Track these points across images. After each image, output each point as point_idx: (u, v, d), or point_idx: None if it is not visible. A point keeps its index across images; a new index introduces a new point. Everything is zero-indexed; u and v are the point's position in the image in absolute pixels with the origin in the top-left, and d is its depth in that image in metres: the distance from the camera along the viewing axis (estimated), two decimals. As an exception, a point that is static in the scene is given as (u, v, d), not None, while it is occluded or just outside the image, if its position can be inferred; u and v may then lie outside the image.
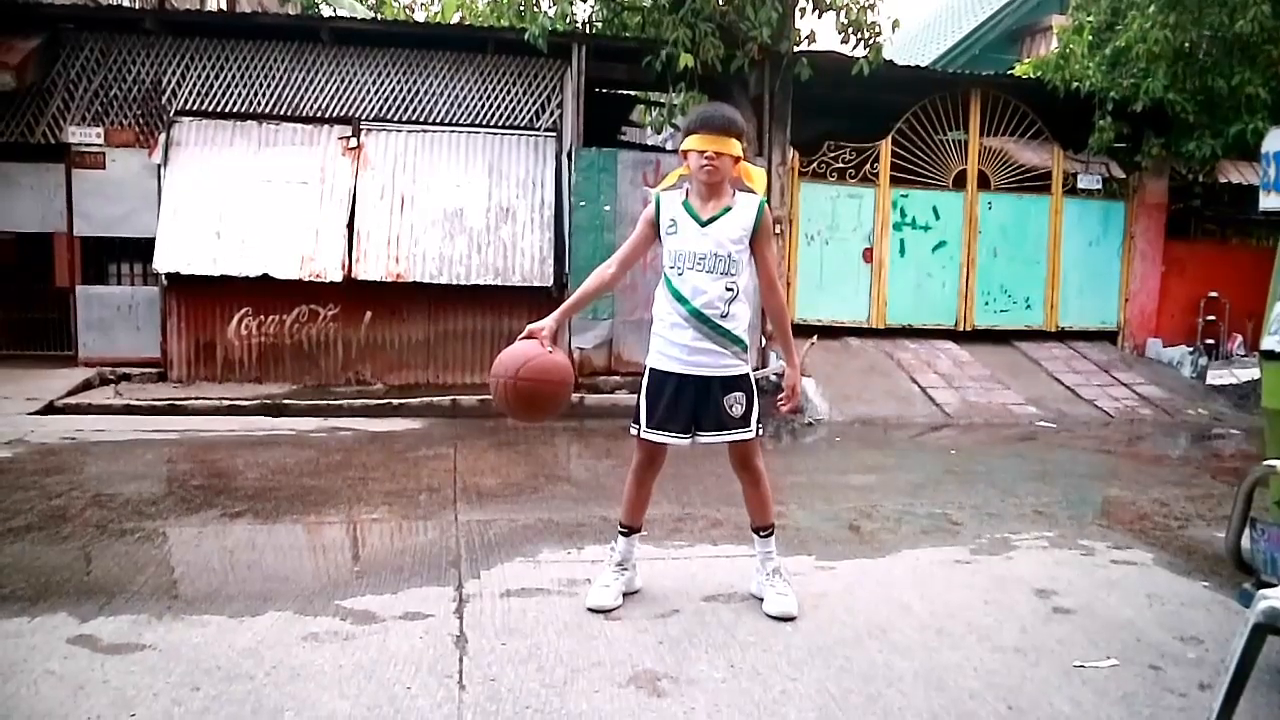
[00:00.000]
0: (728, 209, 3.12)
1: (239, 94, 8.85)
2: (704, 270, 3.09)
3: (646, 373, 3.29)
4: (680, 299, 3.12)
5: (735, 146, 3.07)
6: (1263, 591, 1.99)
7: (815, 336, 8.76)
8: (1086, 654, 2.98)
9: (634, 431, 3.24)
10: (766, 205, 3.17)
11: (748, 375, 3.25)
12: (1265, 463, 2.62)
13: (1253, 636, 1.92)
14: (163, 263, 8.32)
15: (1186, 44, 9.15)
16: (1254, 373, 8.61)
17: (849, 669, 2.79)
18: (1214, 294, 10.44)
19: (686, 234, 3.12)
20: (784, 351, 3.44)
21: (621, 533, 3.35)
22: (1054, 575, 3.79)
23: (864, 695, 2.62)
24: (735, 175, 3.13)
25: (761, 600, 3.27)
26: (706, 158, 3.04)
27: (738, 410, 3.19)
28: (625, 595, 3.30)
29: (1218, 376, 9.63)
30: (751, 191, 3.19)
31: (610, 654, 2.85)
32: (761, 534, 3.31)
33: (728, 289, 3.11)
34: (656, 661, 2.81)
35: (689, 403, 3.16)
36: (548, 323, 3.16)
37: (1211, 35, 9.18)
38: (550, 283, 8.64)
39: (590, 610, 3.18)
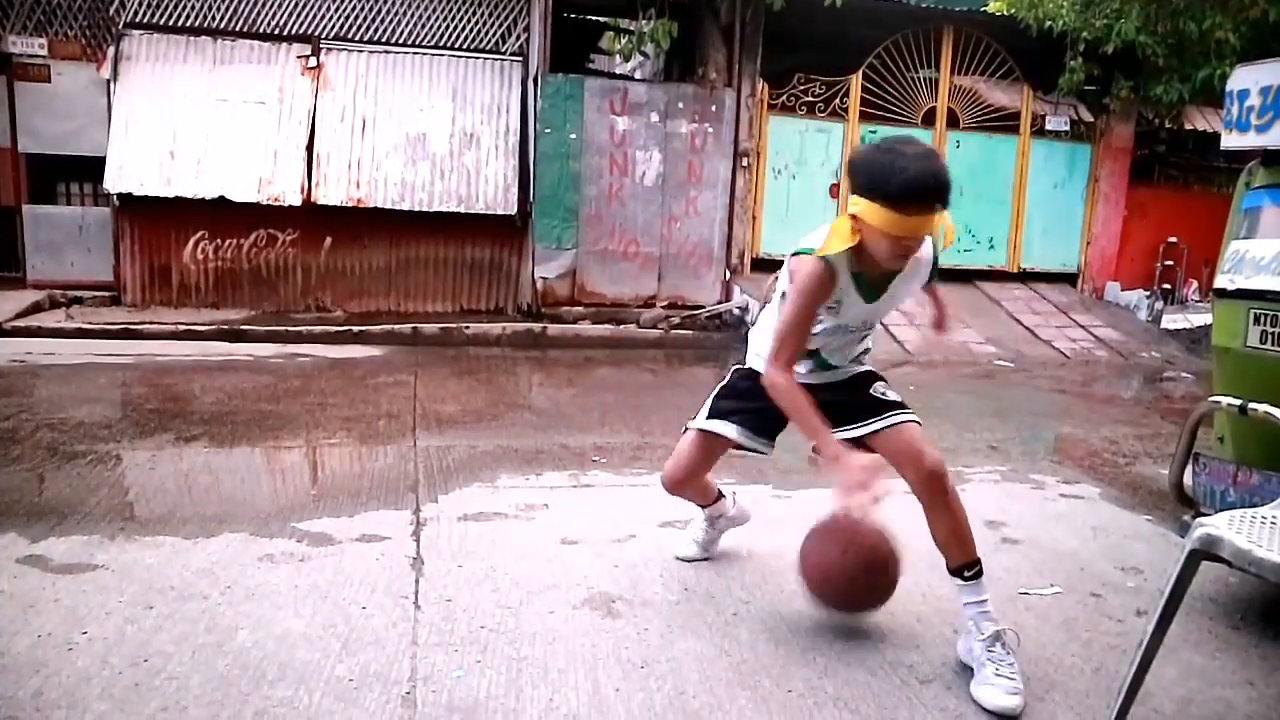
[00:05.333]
0: (900, 270, 2.38)
1: (192, 6, 8.51)
2: (848, 331, 2.51)
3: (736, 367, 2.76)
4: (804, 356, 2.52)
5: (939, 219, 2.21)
6: (1200, 519, 2.04)
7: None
8: (1031, 582, 3.06)
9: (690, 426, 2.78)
10: (938, 256, 2.51)
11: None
12: (1211, 399, 2.68)
13: (1188, 562, 1.98)
14: (114, 182, 8.08)
15: (1160, -16, 9.10)
16: (1207, 318, 8.76)
17: (800, 593, 2.84)
18: (1173, 240, 10.57)
19: (847, 308, 2.42)
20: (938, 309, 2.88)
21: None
22: (1004, 508, 3.88)
23: (814, 618, 2.67)
24: None
25: (971, 673, 2.35)
26: (905, 245, 2.22)
27: (892, 394, 2.55)
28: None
29: (1172, 321, 9.82)
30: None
31: (566, 577, 2.88)
32: (967, 574, 2.44)
33: (863, 342, 2.62)
34: (611, 584, 2.85)
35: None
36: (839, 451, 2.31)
37: (1185, -24, 9.13)
38: (514, 210, 8.53)
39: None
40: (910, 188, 2.10)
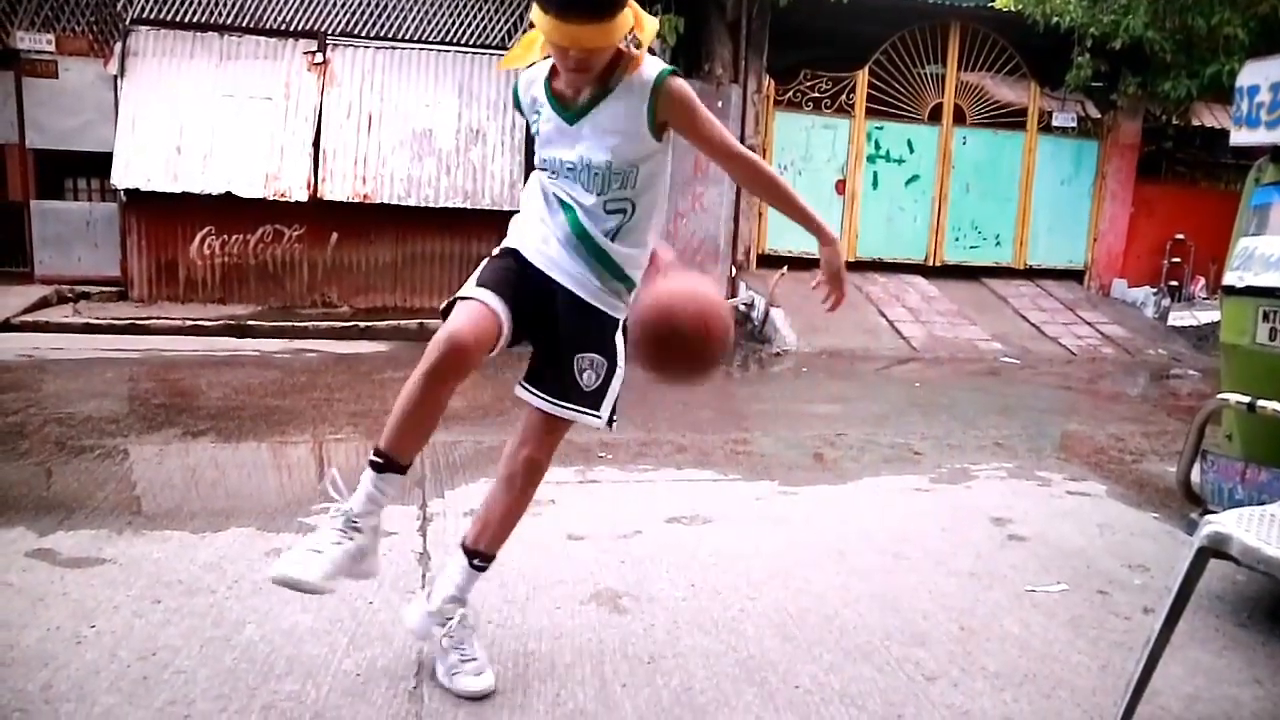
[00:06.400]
0: (606, 91, 2.02)
1: (199, 2, 8.52)
2: (576, 181, 2.09)
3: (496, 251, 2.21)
4: (559, 202, 2.12)
5: (615, 32, 1.91)
6: (1208, 517, 2.04)
7: (785, 268, 8.75)
8: (1038, 579, 3.06)
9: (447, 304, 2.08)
10: (671, 74, 2.02)
11: (617, 334, 2.18)
12: (1219, 396, 2.67)
13: (1196, 559, 1.97)
14: (121, 178, 8.09)
15: (1169, -20, 9.06)
16: (1214, 315, 8.74)
17: (807, 590, 2.85)
18: (1180, 236, 10.54)
19: (550, 128, 2.10)
20: (808, 225, 2.19)
21: (374, 464, 2.05)
22: (1010, 505, 3.87)
23: (820, 615, 2.67)
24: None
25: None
26: (572, 57, 1.93)
27: (590, 379, 2.13)
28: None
29: (1179, 318, 9.79)
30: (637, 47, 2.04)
31: (573, 572, 2.88)
32: (479, 562, 2.21)
33: (609, 210, 2.08)
34: (618, 580, 2.85)
35: (536, 299, 2.11)
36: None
37: (1194, -28, 9.09)
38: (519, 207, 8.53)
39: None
40: None
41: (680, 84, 2.04)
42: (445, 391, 2.05)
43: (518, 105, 2.20)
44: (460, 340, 1.96)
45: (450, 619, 2.19)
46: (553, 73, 2.09)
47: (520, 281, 2.11)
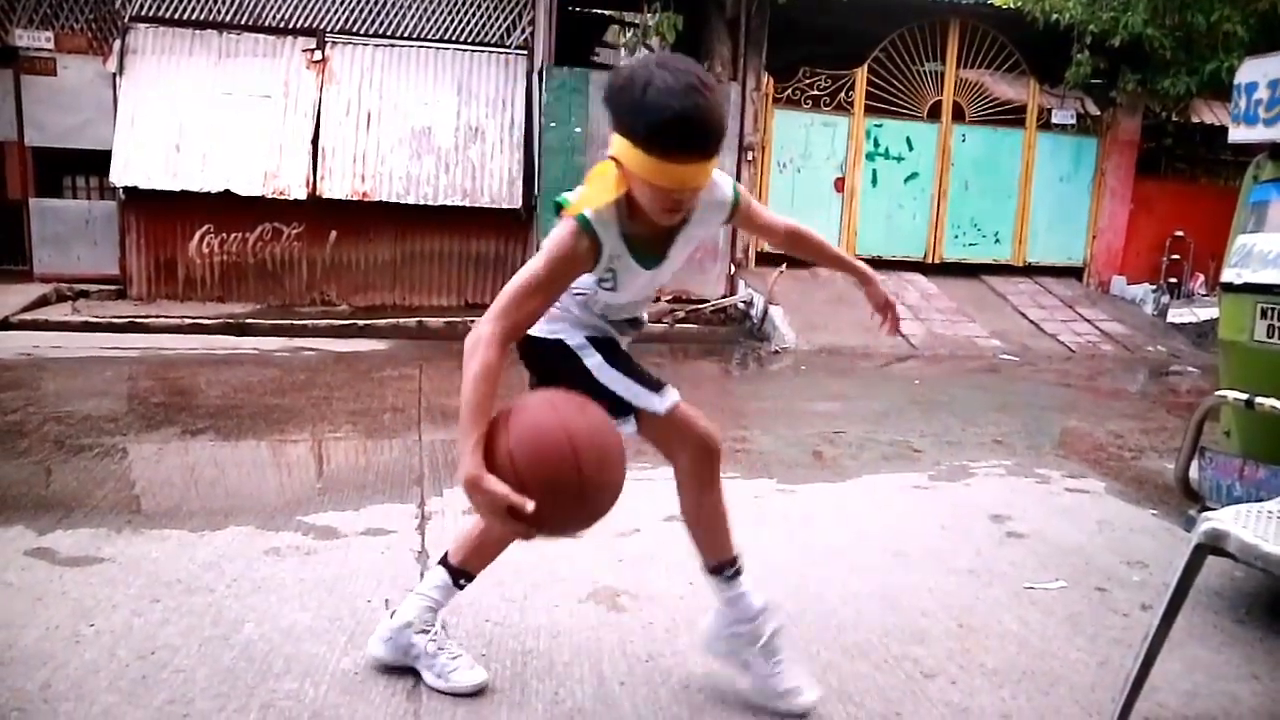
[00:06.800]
0: (684, 222, 1.92)
1: (197, 0, 8.51)
2: (635, 310, 2.10)
3: (581, 347, 2.03)
4: (609, 321, 2.08)
5: (715, 164, 1.78)
6: (1206, 514, 2.04)
7: (784, 265, 8.76)
8: (1036, 576, 3.06)
9: (628, 428, 2.03)
10: (740, 190, 2.03)
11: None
12: (1218, 393, 2.67)
13: (1194, 556, 1.97)
14: (120, 176, 8.09)
15: (1168, -23, 9.06)
16: (1213, 312, 8.73)
17: (805, 588, 2.85)
18: (1179, 233, 10.53)
19: (626, 277, 1.93)
20: (846, 270, 2.30)
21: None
22: (1009, 502, 3.87)
23: (819, 612, 2.67)
24: None
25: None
26: (674, 200, 1.76)
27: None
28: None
29: (1178, 315, 9.79)
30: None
31: (571, 571, 2.88)
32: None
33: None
34: (616, 578, 2.85)
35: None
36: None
37: (1193, -32, 9.09)
38: (519, 204, 8.53)
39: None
40: (666, 131, 1.64)
41: (745, 194, 2.06)
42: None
43: (596, 257, 1.83)
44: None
45: (432, 625, 2.18)
46: (627, 215, 1.83)
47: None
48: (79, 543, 2.95)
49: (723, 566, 2.15)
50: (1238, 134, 3.06)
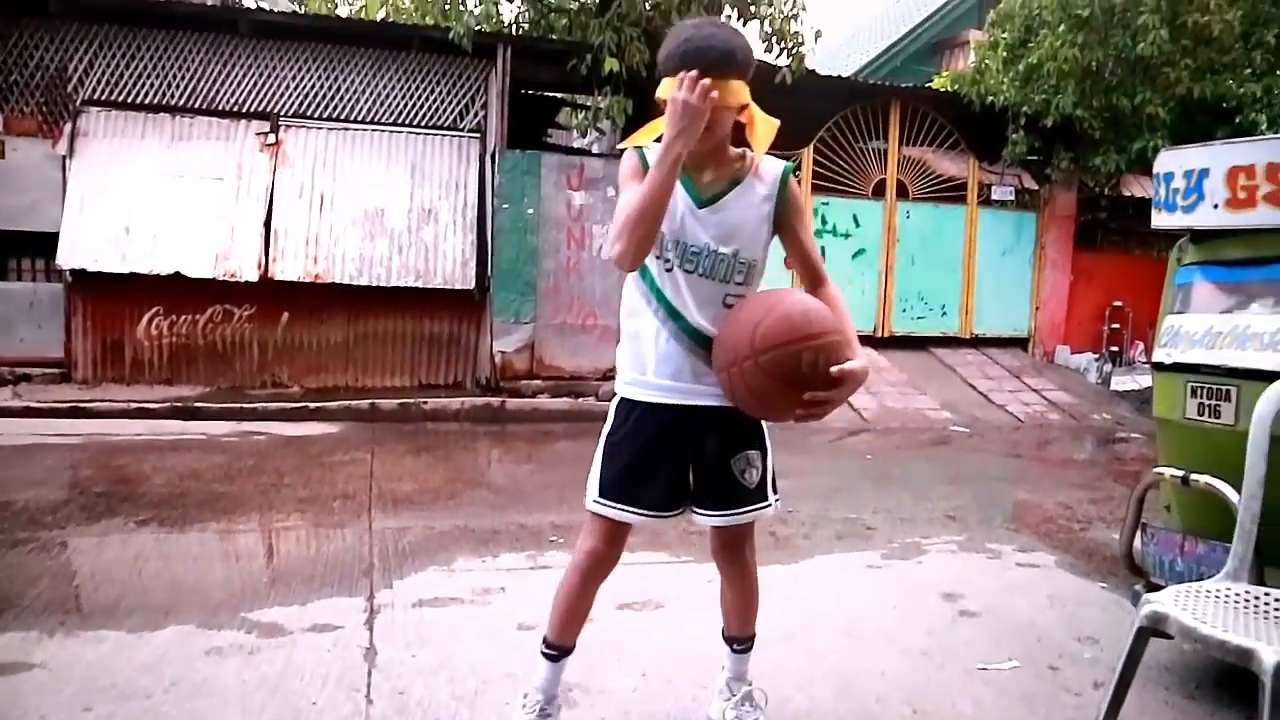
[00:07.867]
0: (736, 181, 2.10)
1: (151, 85, 8.54)
2: (700, 273, 2.08)
3: (614, 407, 2.22)
4: (667, 307, 2.10)
5: (739, 91, 2.00)
6: (1147, 596, 2.07)
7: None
8: (990, 655, 3.07)
9: (588, 502, 2.21)
10: (794, 171, 2.18)
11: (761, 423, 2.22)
12: (1154, 470, 2.74)
13: (1137, 639, 2.01)
14: (67, 259, 7.98)
15: (1093, 63, 9.51)
16: (1154, 379, 8.98)
17: (758, 674, 2.81)
18: (1118, 303, 10.87)
19: (678, 214, 2.06)
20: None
21: (547, 656, 2.31)
22: (962, 578, 3.90)
23: (774, 699, 2.64)
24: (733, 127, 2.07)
25: None
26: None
27: (752, 475, 2.19)
28: None
29: (1121, 383, 10.04)
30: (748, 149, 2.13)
31: (523, 664, 2.81)
32: (738, 647, 2.44)
33: (726, 304, 2.09)
34: (568, 671, 2.79)
35: (681, 456, 2.15)
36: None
37: (1116, 56, 9.56)
38: (472, 285, 8.55)
39: None
40: (689, 52, 1.96)
41: (798, 189, 2.21)
42: (596, 587, 2.27)
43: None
44: (600, 555, 2.21)
45: (735, 695, 2.40)
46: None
47: (645, 459, 2.16)
48: (7, 647, 2.83)
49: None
50: (1159, 220, 3.20)
